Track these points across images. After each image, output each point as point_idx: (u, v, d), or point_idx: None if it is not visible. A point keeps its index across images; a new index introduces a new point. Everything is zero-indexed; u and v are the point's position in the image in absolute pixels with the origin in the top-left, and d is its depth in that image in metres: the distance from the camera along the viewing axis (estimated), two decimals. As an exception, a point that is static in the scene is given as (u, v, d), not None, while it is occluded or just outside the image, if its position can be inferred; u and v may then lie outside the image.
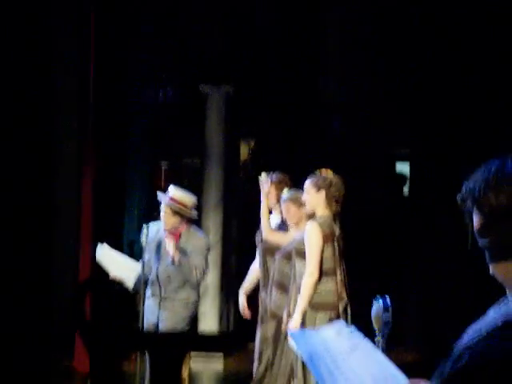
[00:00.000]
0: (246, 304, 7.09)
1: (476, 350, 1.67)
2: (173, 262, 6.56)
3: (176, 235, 6.70)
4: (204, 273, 6.73)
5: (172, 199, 6.75)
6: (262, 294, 6.94)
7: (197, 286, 6.78)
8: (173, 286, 6.62)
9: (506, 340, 1.67)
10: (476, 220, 1.79)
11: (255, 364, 6.73)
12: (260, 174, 6.90)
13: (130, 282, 6.50)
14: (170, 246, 6.56)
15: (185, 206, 6.75)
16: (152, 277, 6.66)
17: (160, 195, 6.83)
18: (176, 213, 6.69)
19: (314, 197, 6.03)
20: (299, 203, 6.30)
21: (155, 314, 6.58)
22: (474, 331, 1.74)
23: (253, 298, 7.13)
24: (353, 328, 2.13)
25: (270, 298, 6.47)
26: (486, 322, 1.74)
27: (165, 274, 6.62)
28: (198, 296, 6.85)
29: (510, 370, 1.63)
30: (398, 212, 11.01)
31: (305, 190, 6.11)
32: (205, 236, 7.10)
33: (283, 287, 6.41)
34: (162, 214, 6.69)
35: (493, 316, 1.75)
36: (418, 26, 9.76)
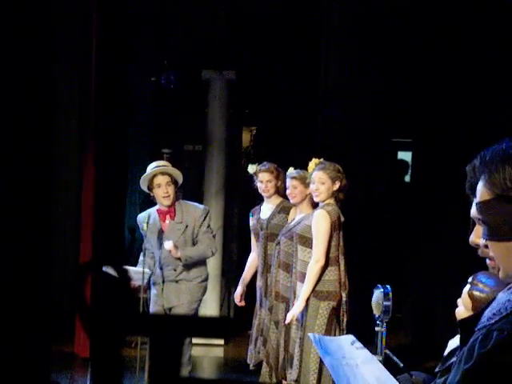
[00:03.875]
0: (241, 294, 7.04)
1: (502, 328, 1.70)
2: (180, 259, 6.48)
3: (171, 212, 6.58)
4: (215, 246, 6.69)
5: (159, 166, 6.63)
6: (260, 281, 6.92)
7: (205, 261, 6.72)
8: (183, 267, 6.55)
9: None
10: (482, 192, 1.77)
11: (250, 347, 6.74)
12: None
13: (139, 282, 6.45)
14: (168, 245, 6.44)
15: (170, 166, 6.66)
16: (160, 264, 6.59)
17: (148, 172, 6.66)
18: (173, 181, 6.56)
19: (329, 187, 6.00)
20: (305, 183, 6.28)
21: (170, 297, 6.56)
22: (492, 313, 1.74)
23: (249, 286, 7.10)
24: (360, 344, 2.23)
25: (276, 281, 6.41)
26: (501, 303, 1.74)
27: (171, 259, 6.54)
28: (207, 270, 6.78)
29: None
30: (399, 200, 10.99)
31: (318, 180, 6.04)
32: (198, 205, 6.92)
33: (291, 269, 6.38)
34: (161, 190, 6.52)
35: (507, 298, 1.75)
36: (420, 16, 9.72)
